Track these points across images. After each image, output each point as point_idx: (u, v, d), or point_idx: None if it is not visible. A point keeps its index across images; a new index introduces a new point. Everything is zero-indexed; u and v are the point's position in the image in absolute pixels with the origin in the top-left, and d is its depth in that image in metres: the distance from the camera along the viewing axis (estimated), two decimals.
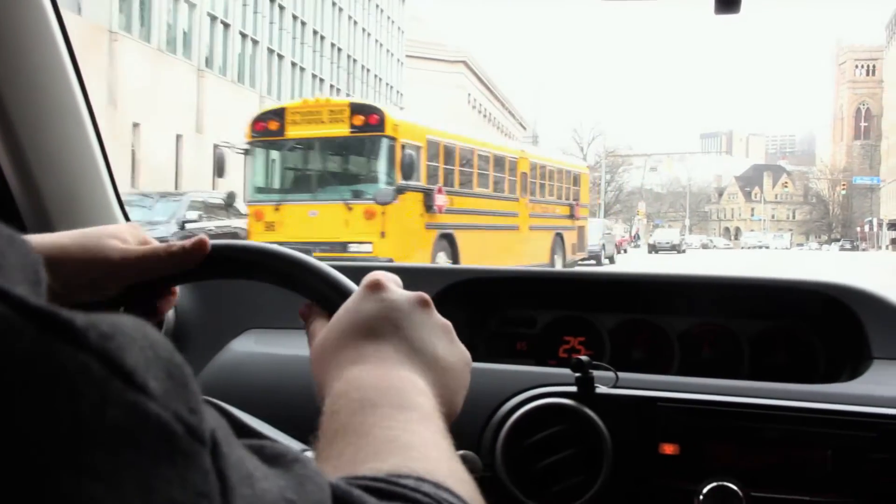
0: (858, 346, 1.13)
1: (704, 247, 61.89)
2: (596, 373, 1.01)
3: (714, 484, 0.96)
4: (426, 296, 0.61)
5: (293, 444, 0.77)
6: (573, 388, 1.01)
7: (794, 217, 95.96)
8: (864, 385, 1.04)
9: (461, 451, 0.62)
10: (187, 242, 0.70)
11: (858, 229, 70.14)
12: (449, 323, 0.61)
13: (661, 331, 1.31)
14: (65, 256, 0.66)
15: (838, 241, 74.50)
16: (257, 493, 0.26)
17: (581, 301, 1.36)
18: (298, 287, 0.71)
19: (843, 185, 57.09)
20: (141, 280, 0.68)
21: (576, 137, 51.73)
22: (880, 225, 59.85)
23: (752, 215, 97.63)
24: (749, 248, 74.30)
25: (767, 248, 70.40)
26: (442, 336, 0.59)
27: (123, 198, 1.23)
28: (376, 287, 0.60)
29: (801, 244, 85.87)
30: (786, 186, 75.85)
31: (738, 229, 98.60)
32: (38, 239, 0.66)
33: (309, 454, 0.45)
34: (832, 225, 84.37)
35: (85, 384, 0.22)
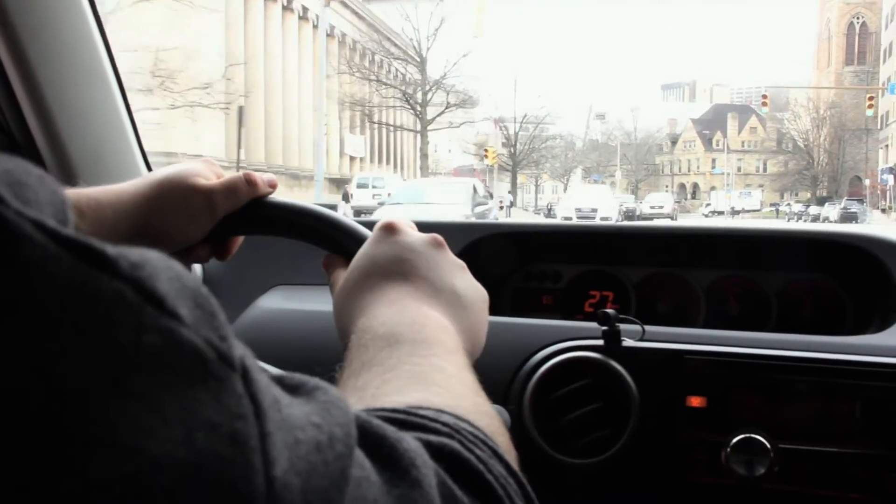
0: (887, 298, 1.12)
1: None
2: (622, 326, 1.01)
3: (742, 436, 0.96)
4: (439, 236, 0.61)
5: None
6: (600, 342, 1.01)
7: (764, 169, 75.65)
8: (893, 336, 1.03)
9: None
10: (265, 175, 0.73)
11: (867, 181, 50.60)
12: (463, 262, 0.62)
13: (687, 284, 1.31)
14: (159, 199, 0.67)
15: (830, 199, 54.75)
16: (285, 416, 0.26)
17: (606, 255, 1.36)
18: (314, 237, 0.71)
19: (870, 101, 35.26)
20: (230, 209, 0.70)
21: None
22: None
23: (714, 168, 77.34)
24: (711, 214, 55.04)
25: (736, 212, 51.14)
26: (459, 274, 0.60)
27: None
28: (390, 230, 0.61)
29: (776, 204, 66.13)
30: (765, 112, 53.70)
31: (695, 185, 78.32)
32: (125, 188, 0.67)
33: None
34: (817, 178, 64.47)
35: (120, 310, 0.22)
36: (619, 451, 0.97)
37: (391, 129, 37.65)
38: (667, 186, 75.17)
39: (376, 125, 36.72)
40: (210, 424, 0.23)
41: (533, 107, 53.34)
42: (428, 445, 0.35)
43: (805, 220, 42.52)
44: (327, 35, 34.26)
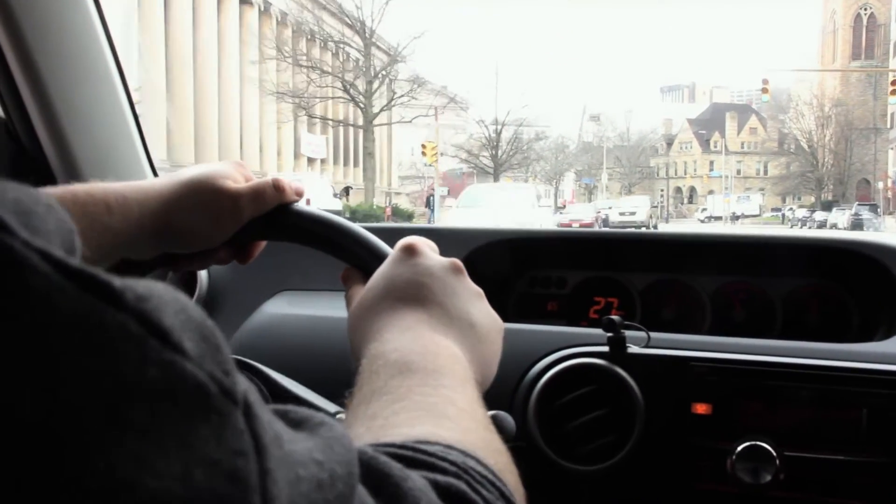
0: (893, 305, 1.12)
1: None
2: (628, 333, 1.01)
3: (747, 443, 0.95)
4: (459, 262, 0.61)
5: (326, 404, 0.77)
6: (605, 349, 1.01)
7: (765, 172, 71.52)
8: None
9: (494, 412, 0.63)
10: (293, 183, 0.72)
11: (881, 185, 46.26)
12: (481, 290, 0.61)
13: (693, 290, 1.30)
14: (186, 198, 0.67)
15: (836, 203, 50.41)
16: (287, 453, 0.26)
17: (611, 261, 1.35)
18: (335, 250, 0.71)
19: (894, 87, 28.77)
20: (256, 214, 0.69)
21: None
22: None
23: (711, 170, 73.00)
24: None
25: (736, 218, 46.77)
26: (475, 302, 0.60)
27: None
28: (411, 251, 0.60)
29: (778, 209, 61.76)
30: (766, 100, 46.26)
31: (692, 189, 74.09)
32: (153, 185, 0.67)
33: (340, 415, 0.44)
34: (822, 181, 59.95)
35: (124, 343, 0.22)
36: (624, 457, 0.97)
37: (330, 124, 33.09)
38: (662, 190, 71.03)
39: (329, 122, 32.29)
40: (210, 461, 0.22)
41: (517, 106, 49.50)
42: (435, 485, 0.35)
43: (810, 227, 38.15)
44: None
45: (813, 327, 1.25)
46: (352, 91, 27.56)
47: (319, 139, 36.81)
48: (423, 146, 24.00)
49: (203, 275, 1.20)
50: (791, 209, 53.31)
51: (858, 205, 37.12)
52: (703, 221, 54.08)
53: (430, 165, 25.41)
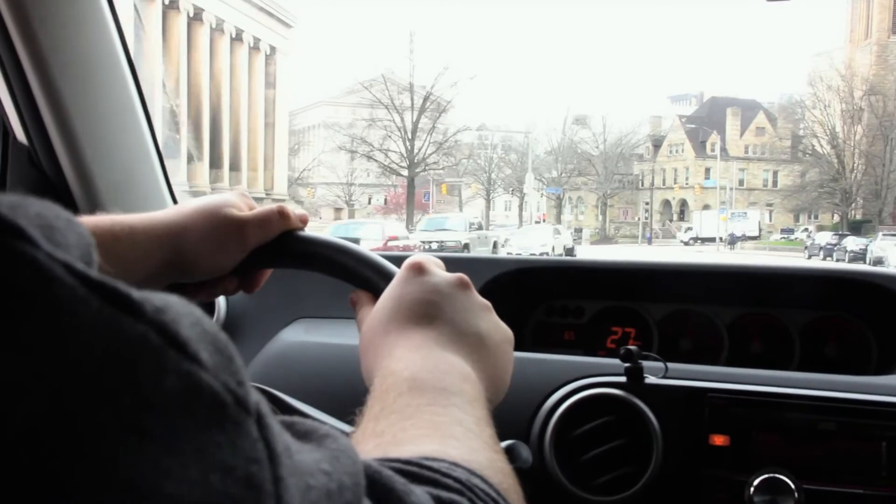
0: None
1: None
2: (645, 363, 1.01)
3: (765, 475, 0.95)
4: (465, 277, 0.62)
5: (342, 426, 0.76)
6: (622, 379, 1.02)
7: (775, 183, 57.48)
8: None
9: (511, 441, 0.64)
10: (297, 210, 0.74)
11: None
12: (489, 302, 0.62)
13: (710, 321, 1.30)
14: (192, 227, 0.68)
15: (869, 223, 36.28)
16: (296, 462, 0.26)
17: (628, 291, 1.36)
18: (342, 273, 0.72)
19: None
20: (262, 241, 0.70)
21: None
22: None
23: (707, 179, 58.79)
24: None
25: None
26: (484, 316, 0.60)
27: None
28: (418, 270, 0.61)
29: (790, 230, 47.55)
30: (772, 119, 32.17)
31: (683, 202, 59.73)
32: (159, 216, 0.68)
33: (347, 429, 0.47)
34: (850, 194, 45.60)
35: (144, 353, 0.23)
36: (642, 489, 0.97)
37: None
38: (646, 203, 56.66)
39: None
40: (226, 467, 0.23)
41: (444, 85, 35.33)
42: (438, 500, 0.35)
43: (839, 260, 23.61)
44: None
45: (831, 359, 1.25)
46: None
47: None
48: None
49: (221, 304, 1.20)
50: (806, 230, 39.14)
51: None
52: (686, 244, 39.63)
53: None
